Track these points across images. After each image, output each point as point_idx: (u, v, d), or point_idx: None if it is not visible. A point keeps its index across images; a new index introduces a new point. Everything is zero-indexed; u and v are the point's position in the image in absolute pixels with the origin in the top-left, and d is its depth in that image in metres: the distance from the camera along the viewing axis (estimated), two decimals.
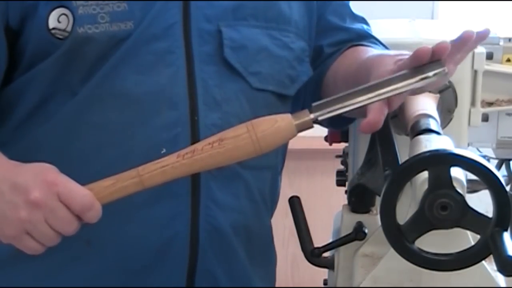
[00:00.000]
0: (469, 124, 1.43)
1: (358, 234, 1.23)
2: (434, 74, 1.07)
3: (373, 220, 1.25)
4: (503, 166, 1.70)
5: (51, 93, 1.23)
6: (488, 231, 0.99)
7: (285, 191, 1.41)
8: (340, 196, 1.46)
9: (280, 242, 2.84)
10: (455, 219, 1.00)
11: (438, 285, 1.08)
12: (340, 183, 1.55)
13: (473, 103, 1.44)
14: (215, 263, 1.29)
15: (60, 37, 1.20)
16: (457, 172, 1.00)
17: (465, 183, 1.02)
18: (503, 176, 1.67)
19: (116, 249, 1.25)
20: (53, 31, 1.20)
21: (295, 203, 1.29)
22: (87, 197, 1.09)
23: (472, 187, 1.15)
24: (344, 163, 1.54)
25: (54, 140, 1.23)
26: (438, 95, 1.28)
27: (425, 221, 1.00)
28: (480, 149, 1.61)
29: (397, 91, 1.08)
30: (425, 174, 1.00)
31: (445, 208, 0.99)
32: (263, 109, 1.29)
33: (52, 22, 1.19)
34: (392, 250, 1.03)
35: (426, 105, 1.18)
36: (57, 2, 1.19)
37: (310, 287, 2.98)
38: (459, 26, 1.56)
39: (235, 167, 1.25)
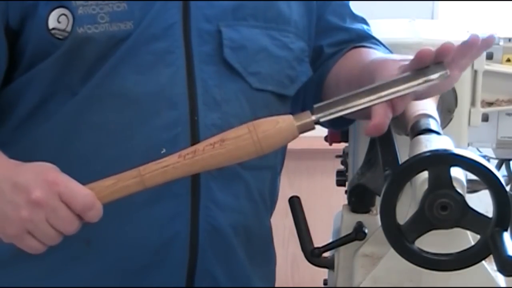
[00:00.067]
0: (469, 124, 1.43)
1: (358, 234, 1.23)
2: (436, 76, 1.07)
3: (373, 220, 1.25)
4: (503, 166, 1.70)
5: (51, 93, 1.23)
6: (488, 231, 0.99)
7: (285, 191, 1.41)
8: (340, 196, 1.46)
9: (280, 242, 2.85)
10: (455, 219, 1.00)
11: (438, 285, 1.08)
12: (340, 183, 1.55)
13: (473, 103, 1.44)
14: (214, 263, 1.29)
15: (60, 37, 1.20)
16: (457, 172, 1.00)
17: (465, 183, 1.02)
18: (503, 176, 1.67)
19: (116, 249, 1.25)
20: (53, 31, 1.20)
21: (295, 203, 1.29)
22: (88, 197, 1.09)
23: (472, 187, 1.15)
24: (344, 163, 1.54)
25: (54, 140, 1.23)
26: (438, 95, 1.28)
27: (425, 221, 1.00)
28: (480, 149, 1.61)
29: (398, 94, 1.08)
30: (425, 174, 1.00)
31: (445, 208, 0.99)
32: (263, 109, 1.29)
33: (52, 22, 1.20)
34: (392, 250, 1.03)
35: (426, 105, 1.18)
36: (57, 2, 1.19)
37: (310, 287, 2.98)
38: (459, 26, 1.56)
39: (235, 167, 1.25)
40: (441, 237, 1.03)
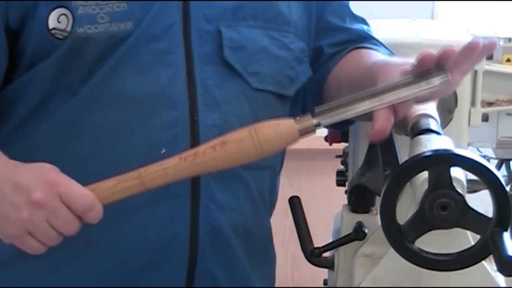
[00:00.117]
0: (469, 124, 1.43)
1: (358, 234, 1.23)
2: (438, 81, 1.07)
3: (373, 220, 1.25)
4: (503, 166, 1.70)
5: (51, 93, 1.23)
6: (488, 231, 0.99)
7: (285, 191, 1.41)
8: (340, 196, 1.46)
9: (280, 242, 2.85)
10: (455, 219, 1.00)
11: (438, 285, 1.08)
12: (340, 183, 1.55)
13: (473, 103, 1.44)
14: (214, 263, 1.29)
15: (60, 37, 1.20)
16: (457, 172, 1.00)
17: (465, 183, 1.02)
18: (503, 176, 1.67)
19: (115, 249, 1.25)
20: (53, 31, 1.20)
21: (295, 203, 1.29)
22: (88, 198, 1.09)
23: (472, 187, 1.15)
24: (344, 163, 1.54)
25: (54, 140, 1.23)
26: None
27: (425, 221, 1.00)
28: (480, 149, 1.61)
29: (400, 98, 1.08)
30: (425, 174, 1.00)
31: (445, 208, 0.99)
32: (263, 109, 1.29)
33: (52, 22, 1.20)
34: (392, 250, 1.03)
35: (426, 105, 1.18)
36: (57, 2, 1.19)
37: (310, 287, 2.98)
38: (459, 26, 1.56)
39: (235, 167, 1.25)
40: (441, 237, 1.03)
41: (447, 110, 1.36)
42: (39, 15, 1.19)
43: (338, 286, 1.27)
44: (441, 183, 0.99)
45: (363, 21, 1.44)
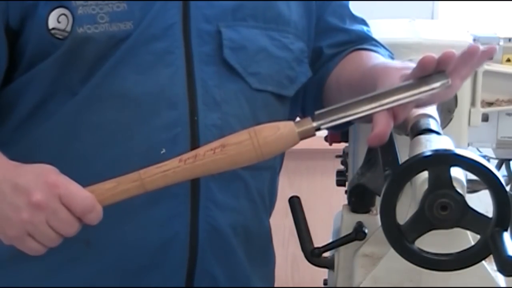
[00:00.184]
0: (469, 124, 1.43)
1: (358, 234, 1.23)
2: (438, 85, 1.08)
3: (373, 220, 1.25)
4: (503, 166, 1.70)
5: (51, 93, 1.23)
6: (488, 231, 0.98)
7: (285, 191, 1.41)
8: (340, 196, 1.46)
9: (280, 242, 2.85)
10: (455, 219, 1.00)
11: (438, 285, 1.08)
12: (340, 183, 1.55)
13: (473, 103, 1.44)
14: (214, 263, 1.29)
15: (60, 37, 1.20)
16: (457, 172, 1.00)
17: (465, 183, 1.02)
18: (503, 176, 1.67)
19: (115, 249, 1.25)
20: (52, 31, 1.20)
21: (295, 203, 1.29)
22: (88, 199, 1.09)
23: (472, 187, 1.15)
24: (344, 163, 1.54)
25: (54, 140, 1.23)
26: None
27: (425, 221, 1.00)
28: (480, 149, 1.61)
29: (400, 102, 1.08)
30: (425, 174, 1.00)
31: (445, 208, 0.99)
32: (262, 109, 1.29)
33: (51, 22, 1.20)
34: (392, 250, 1.02)
35: None
36: (56, 2, 1.19)
37: (310, 287, 2.98)
38: (459, 26, 1.56)
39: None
40: (441, 237, 1.03)
41: (447, 110, 1.36)
42: (39, 15, 1.20)
43: (338, 286, 1.27)
44: (441, 183, 0.99)
45: (363, 22, 1.44)
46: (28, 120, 1.25)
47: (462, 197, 0.99)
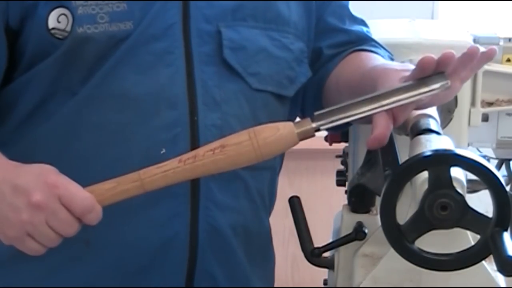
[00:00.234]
0: (469, 124, 1.43)
1: (358, 234, 1.22)
2: (438, 86, 1.08)
3: (373, 220, 1.25)
4: (503, 166, 1.70)
5: (51, 93, 1.23)
6: (488, 231, 0.98)
7: (285, 191, 1.41)
8: (340, 196, 1.46)
9: (280, 242, 2.85)
10: (455, 219, 1.00)
11: (438, 285, 1.08)
12: (340, 183, 1.55)
13: (473, 103, 1.44)
14: (214, 263, 1.29)
15: (60, 37, 1.20)
16: (457, 172, 1.00)
17: (465, 183, 1.02)
18: (503, 176, 1.67)
19: (115, 249, 1.25)
20: (52, 31, 1.20)
21: (295, 203, 1.29)
22: (88, 200, 1.09)
23: (472, 187, 1.15)
24: (344, 163, 1.54)
25: (54, 140, 1.23)
26: None
27: (425, 221, 1.00)
28: (480, 149, 1.61)
29: (400, 103, 1.09)
30: (425, 174, 1.00)
31: (445, 208, 0.99)
32: (262, 109, 1.29)
33: (51, 22, 1.20)
34: (392, 250, 1.02)
35: None
36: (56, 2, 1.19)
37: (310, 287, 2.98)
38: (459, 26, 1.56)
39: None
40: (441, 237, 1.03)
41: (447, 110, 1.36)
42: (39, 15, 1.19)
43: (338, 286, 1.27)
44: (441, 183, 0.99)
45: (362, 22, 1.44)
46: (28, 120, 1.25)
47: (462, 197, 0.99)
